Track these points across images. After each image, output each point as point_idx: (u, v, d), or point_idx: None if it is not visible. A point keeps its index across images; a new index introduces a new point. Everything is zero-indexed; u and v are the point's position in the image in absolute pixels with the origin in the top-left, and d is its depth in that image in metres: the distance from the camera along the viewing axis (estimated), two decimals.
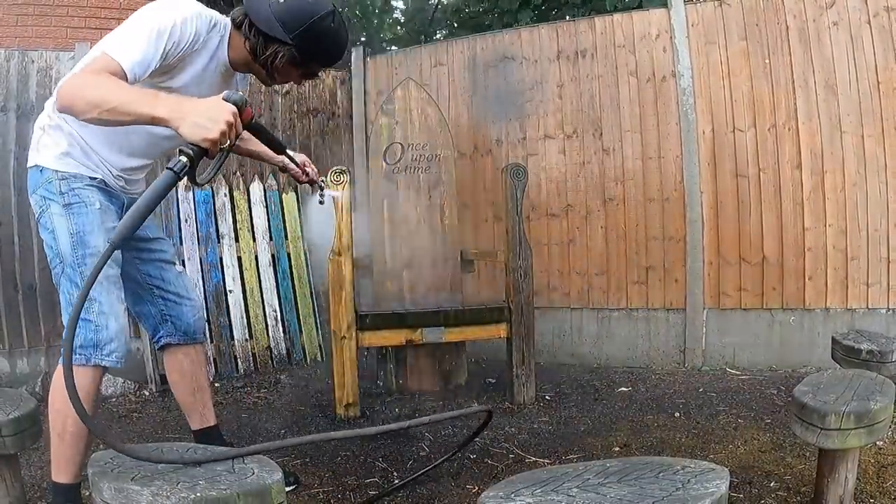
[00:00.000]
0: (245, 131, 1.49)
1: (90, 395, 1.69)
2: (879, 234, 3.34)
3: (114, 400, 3.36)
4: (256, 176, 4.16)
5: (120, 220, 1.70)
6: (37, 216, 1.80)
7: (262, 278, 4.02)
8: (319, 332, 4.12)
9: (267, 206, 4.14)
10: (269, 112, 4.28)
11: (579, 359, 3.92)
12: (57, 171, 1.74)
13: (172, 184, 1.36)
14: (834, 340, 2.68)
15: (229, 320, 3.90)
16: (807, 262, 3.47)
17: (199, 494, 1.16)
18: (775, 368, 3.50)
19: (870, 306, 3.36)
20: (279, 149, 1.82)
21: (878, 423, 1.70)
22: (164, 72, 1.64)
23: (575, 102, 3.92)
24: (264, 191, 4.14)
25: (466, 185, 4.06)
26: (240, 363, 3.87)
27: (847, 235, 3.39)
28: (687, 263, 3.67)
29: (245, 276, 3.99)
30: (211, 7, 1.73)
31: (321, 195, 2.31)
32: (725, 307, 3.63)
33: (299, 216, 4.23)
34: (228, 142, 1.41)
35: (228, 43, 1.76)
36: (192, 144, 1.38)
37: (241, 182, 4.11)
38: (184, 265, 3.85)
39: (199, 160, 1.40)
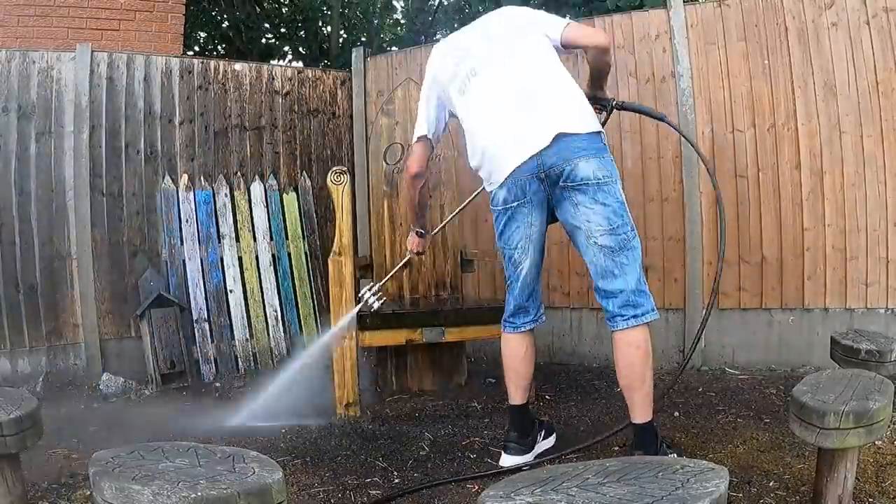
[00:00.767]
0: None
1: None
2: (878, 234, 3.34)
3: (114, 399, 3.37)
4: (257, 176, 4.17)
5: None
6: (600, 179, 2.04)
7: (262, 278, 4.03)
8: (320, 331, 4.13)
9: (268, 207, 4.14)
10: (270, 112, 4.29)
11: (579, 358, 3.92)
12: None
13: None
14: (833, 340, 2.68)
15: (230, 320, 3.91)
16: (806, 262, 3.47)
17: (199, 494, 1.16)
18: (774, 368, 3.51)
19: (869, 306, 3.37)
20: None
21: (876, 422, 1.70)
22: None
23: None
24: (265, 191, 4.15)
25: (466, 185, 4.06)
26: (240, 363, 3.88)
27: (846, 235, 3.39)
28: (686, 263, 3.68)
29: (246, 276, 4.00)
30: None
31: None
32: (725, 307, 3.64)
33: (300, 216, 4.24)
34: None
35: None
36: None
37: (242, 182, 4.12)
38: (184, 265, 3.86)
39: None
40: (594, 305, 3.91)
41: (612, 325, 2.07)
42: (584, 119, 2.09)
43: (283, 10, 8.82)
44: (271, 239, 4.10)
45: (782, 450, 2.33)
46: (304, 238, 4.21)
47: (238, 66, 4.26)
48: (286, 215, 4.19)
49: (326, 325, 3.13)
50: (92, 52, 3.75)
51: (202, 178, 4.02)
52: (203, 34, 8.48)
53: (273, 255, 4.09)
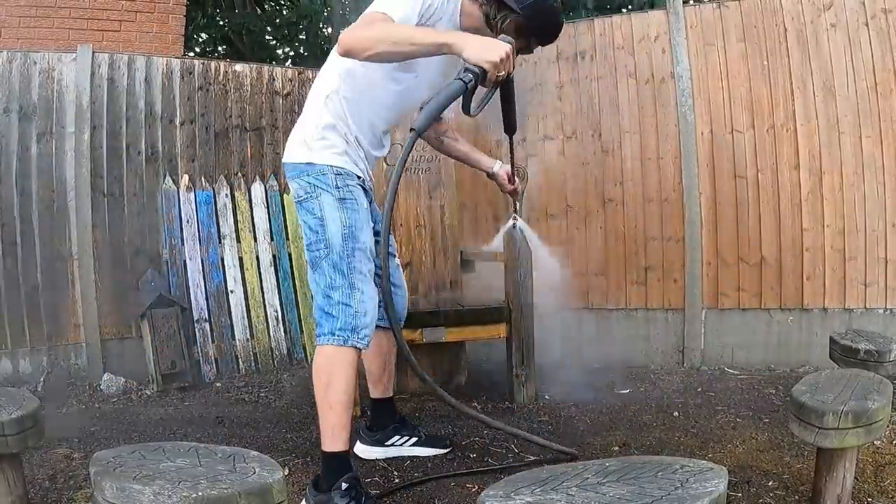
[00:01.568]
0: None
1: (354, 368, 1.94)
2: (877, 234, 3.35)
3: (115, 400, 3.37)
4: (258, 177, 4.18)
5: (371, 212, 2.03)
6: (298, 198, 1.97)
7: (263, 278, 4.04)
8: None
9: (268, 207, 4.15)
10: (271, 113, 4.29)
11: (579, 359, 3.92)
12: (332, 166, 1.94)
13: (460, 92, 1.64)
14: (832, 340, 2.69)
15: (231, 320, 3.92)
16: (805, 262, 3.48)
17: (200, 493, 1.17)
18: (773, 368, 3.51)
19: (867, 306, 3.37)
20: (512, 128, 2.09)
21: (875, 422, 1.71)
22: None
23: (574, 104, 3.93)
24: (265, 191, 4.15)
25: (466, 186, 4.07)
26: (241, 363, 3.88)
27: (845, 236, 3.40)
28: (686, 264, 3.68)
29: (246, 277, 4.00)
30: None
31: (515, 219, 2.61)
32: (724, 307, 3.64)
33: None
34: (504, 73, 1.66)
35: (461, 10, 1.97)
36: (477, 65, 1.64)
37: (243, 182, 4.12)
38: (185, 266, 3.87)
39: (479, 82, 1.65)
40: (593, 305, 3.92)
41: None
42: (291, 149, 2.02)
43: (284, 12, 8.83)
44: (272, 239, 4.11)
45: (781, 449, 2.34)
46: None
47: (239, 66, 4.26)
48: (287, 216, 4.19)
49: None
50: (93, 52, 3.75)
51: (203, 178, 4.03)
52: (204, 35, 8.49)
53: (274, 256, 4.10)
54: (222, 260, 3.96)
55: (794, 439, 2.29)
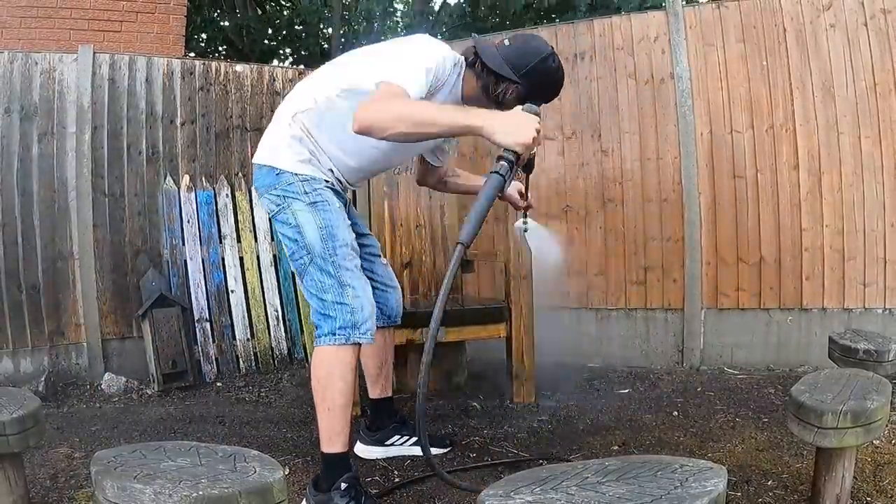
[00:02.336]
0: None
1: (352, 369, 1.93)
2: (876, 234, 3.35)
3: (116, 399, 3.38)
4: None
5: (347, 215, 2.00)
6: (272, 213, 1.98)
7: (263, 278, 4.04)
8: None
9: None
10: (271, 113, 4.24)
11: (579, 359, 3.93)
12: (297, 174, 1.93)
13: (501, 187, 1.61)
14: (831, 340, 2.70)
15: (231, 320, 3.92)
16: (804, 262, 3.48)
17: (201, 493, 1.17)
18: (773, 368, 3.52)
19: (867, 306, 3.38)
20: (530, 168, 2.06)
21: (874, 421, 1.72)
22: None
23: (574, 104, 3.93)
24: None
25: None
26: (241, 363, 3.89)
27: (844, 236, 3.41)
28: (685, 264, 3.69)
29: (247, 276, 4.01)
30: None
31: (525, 223, 2.53)
32: (723, 307, 3.65)
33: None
34: (535, 148, 1.65)
35: (463, 79, 1.97)
36: (509, 150, 1.60)
37: (243, 182, 4.13)
38: (186, 265, 3.87)
39: (517, 164, 1.63)
40: (593, 305, 3.93)
41: None
42: (260, 151, 2.01)
43: (285, 13, 8.84)
44: (272, 239, 4.11)
45: (781, 449, 2.34)
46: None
47: (239, 67, 4.27)
48: None
49: None
50: (94, 53, 3.76)
51: (203, 178, 4.03)
52: (204, 36, 8.50)
53: (274, 255, 4.10)
54: (223, 260, 3.97)
55: (793, 439, 2.29)
